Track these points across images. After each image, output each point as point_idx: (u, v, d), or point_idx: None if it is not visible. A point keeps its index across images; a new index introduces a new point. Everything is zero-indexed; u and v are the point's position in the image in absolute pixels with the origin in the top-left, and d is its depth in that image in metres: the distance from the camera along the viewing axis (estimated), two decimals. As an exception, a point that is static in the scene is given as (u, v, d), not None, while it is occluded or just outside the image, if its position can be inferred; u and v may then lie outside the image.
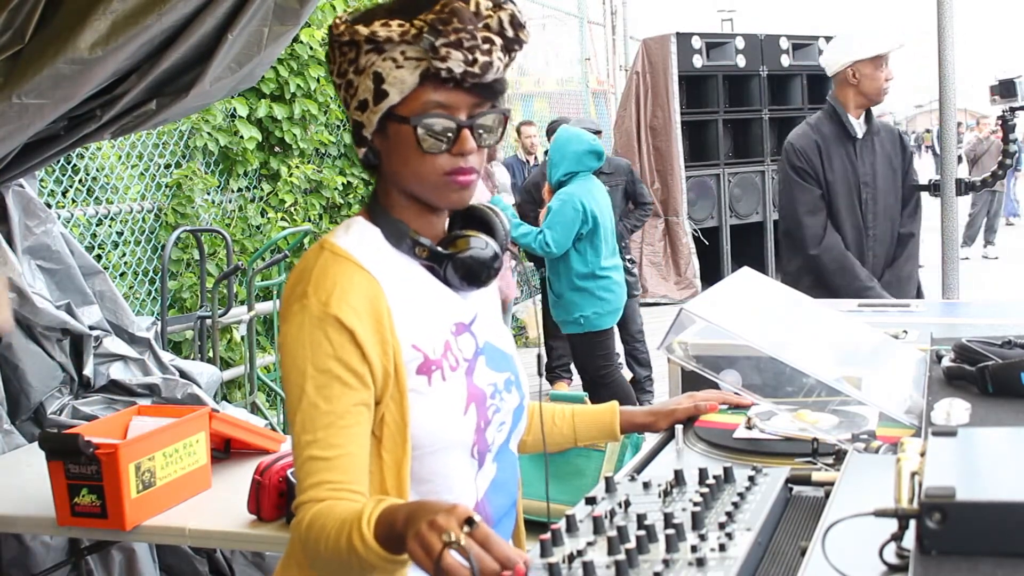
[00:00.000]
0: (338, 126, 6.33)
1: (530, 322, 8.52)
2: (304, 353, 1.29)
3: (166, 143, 5.17)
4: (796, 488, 1.34)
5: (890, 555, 0.97)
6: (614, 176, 6.22)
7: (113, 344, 3.18)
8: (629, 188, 6.34)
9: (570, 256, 4.91)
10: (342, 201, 6.34)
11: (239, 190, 5.67)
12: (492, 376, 1.44)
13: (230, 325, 4.92)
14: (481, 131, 1.33)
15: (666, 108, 9.75)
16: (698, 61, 9.85)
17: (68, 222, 4.46)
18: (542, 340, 1.62)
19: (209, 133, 5.28)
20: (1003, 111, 3.55)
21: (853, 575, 0.95)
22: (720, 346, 1.80)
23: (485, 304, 1.49)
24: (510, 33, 1.30)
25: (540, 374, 1.51)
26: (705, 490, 1.23)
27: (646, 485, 1.31)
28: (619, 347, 5.43)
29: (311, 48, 5.80)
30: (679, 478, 1.30)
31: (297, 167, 5.85)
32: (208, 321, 4.48)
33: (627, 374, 5.81)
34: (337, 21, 1.34)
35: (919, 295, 3.66)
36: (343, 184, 6.30)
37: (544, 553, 1.10)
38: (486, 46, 1.27)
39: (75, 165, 4.64)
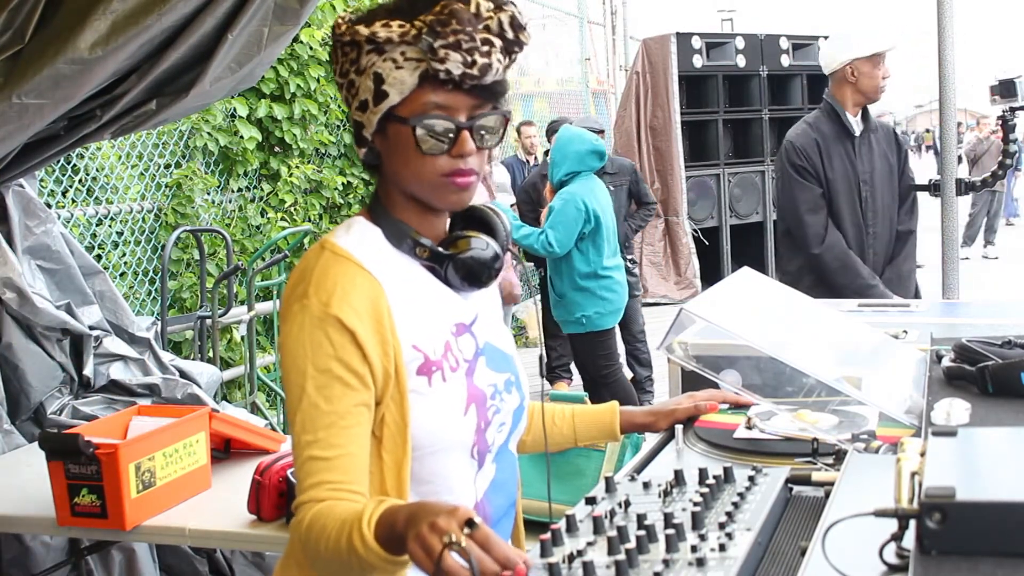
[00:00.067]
0: (338, 126, 6.33)
1: (530, 322, 8.52)
2: (304, 353, 1.29)
3: (166, 143, 5.17)
4: (796, 488, 1.34)
5: (890, 555, 0.97)
6: (618, 176, 6.22)
7: (113, 344, 3.18)
8: (633, 188, 6.34)
9: (572, 256, 4.92)
10: (342, 201, 6.33)
11: (239, 190, 5.67)
12: (492, 377, 1.44)
13: (230, 325, 4.92)
14: (481, 133, 1.33)
15: (666, 108, 9.75)
16: (698, 61, 9.85)
17: (68, 222, 4.46)
18: (542, 341, 1.62)
19: (209, 133, 5.28)
20: (1003, 111, 3.55)
21: (853, 575, 0.95)
22: (720, 346, 1.80)
23: (486, 305, 1.49)
24: (510, 35, 1.29)
25: (542, 375, 1.51)
26: (705, 490, 1.23)
27: (646, 485, 1.31)
28: (620, 347, 5.43)
29: (311, 48, 5.80)
30: (679, 478, 1.30)
31: (297, 167, 5.85)
32: (208, 321, 4.48)
33: (627, 374, 5.81)
34: (339, 21, 1.34)
35: (916, 294, 3.66)
36: (343, 184, 6.30)
37: (544, 553, 1.10)
38: (485, 48, 1.27)
39: (75, 165, 4.64)
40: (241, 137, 5.43)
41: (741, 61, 10.02)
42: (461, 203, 1.37)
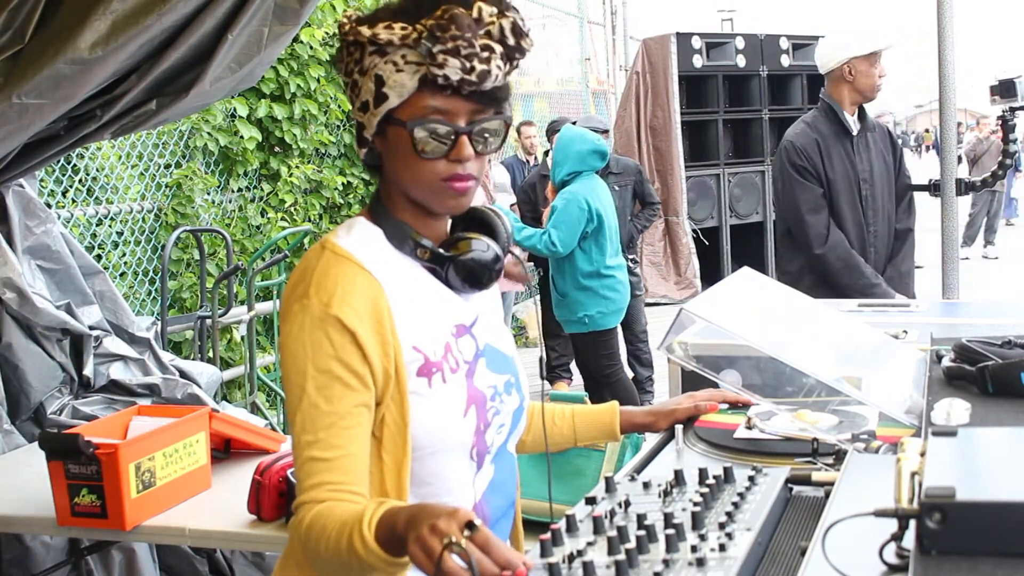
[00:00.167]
0: (338, 126, 6.33)
1: (530, 322, 8.52)
2: (305, 353, 1.29)
3: (166, 143, 5.17)
4: (796, 488, 1.34)
5: (890, 555, 0.97)
6: (623, 176, 6.23)
7: (113, 344, 3.18)
8: (638, 188, 6.34)
9: (575, 255, 4.92)
10: (342, 201, 6.34)
11: (239, 190, 5.67)
12: (492, 378, 1.44)
13: (230, 325, 4.92)
14: (480, 138, 1.33)
15: (666, 108, 9.75)
16: (698, 61, 9.85)
17: (68, 222, 4.46)
18: (542, 342, 1.62)
19: (209, 133, 5.28)
20: (1003, 111, 3.55)
21: (853, 575, 0.95)
22: (720, 346, 1.80)
23: (486, 306, 1.49)
24: (511, 41, 1.29)
25: (542, 377, 1.51)
26: (705, 490, 1.23)
27: (646, 485, 1.31)
28: (622, 347, 5.43)
29: (311, 48, 5.80)
30: (679, 478, 1.30)
31: (297, 167, 5.85)
32: (208, 321, 4.48)
33: (628, 374, 5.81)
34: (344, 20, 1.33)
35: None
36: (343, 184, 6.30)
37: (544, 553, 1.10)
38: (485, 54, 1.26)
39: (75, 165, 4.64)
40: (241, 137, 5.43)
41: (741, 61, 10.02)
42: (459, 207, 1.37)
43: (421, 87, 1.28)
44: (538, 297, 6.18)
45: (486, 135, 1.33)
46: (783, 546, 1.17)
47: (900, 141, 3.69)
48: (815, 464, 1.48)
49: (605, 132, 6.65)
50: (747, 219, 10.18)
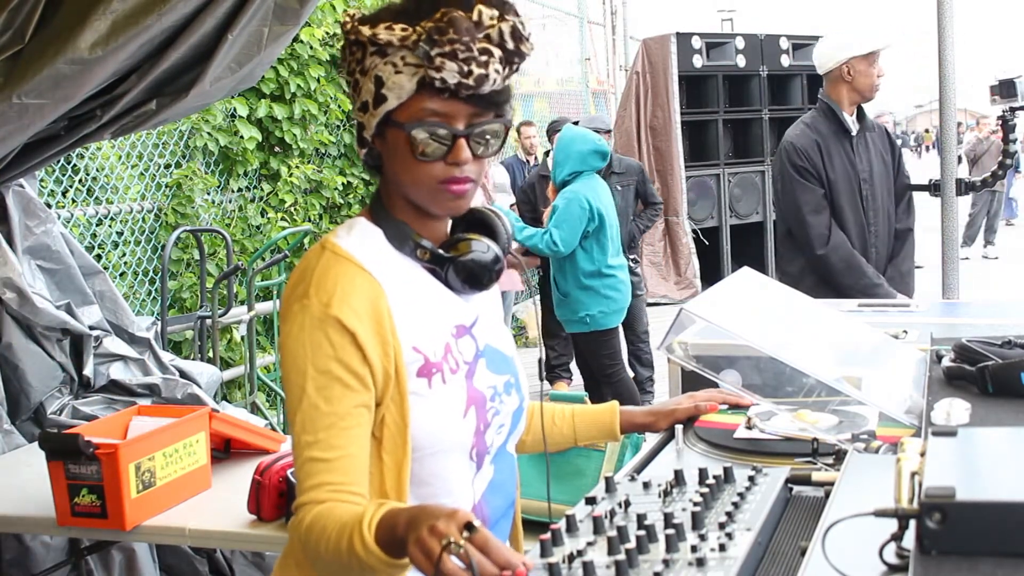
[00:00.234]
0: (338, 126, 6.33)
1: (530, 322, 8.51)
2: (304, 354, 1.29)
3: (166, 143, 5.17)
4: (796, 488, 1.34)
5: (890, 555, 0.97)
6: (626, 176, 6.23)
7: (113, 344, 3.18)
8: (640, 188, 6.35)
9: (576, 254, 4.92)
10: (342, 201, 6.34)
11: (239, 190, 5.67)
12: (492, 379, 1.44)
13: (230, 325, 4.92)
14: (479, 141, 1.32)
15: (666, 108, 9.75)
16: (698, 61, 9.85)
17: (68, 222, 4.46)
18: (542, 342, 1.62)
19: (209, 133, 5.28)
20: (1003, 111, 3.55)
21: (853, 575, 0.95)
22: (720, 346, 1.80)
23: (486, 306, 1.49)
24: (510, 45, 1.28)
25: (541, 378, 1.51)
26: (705, 490, 1.23)
27: (646, 485, 1.31)
28: (622, 347, 5.43)
29: (311, 48, 5.80)
30: (679, 478, 1.30)
31: (297, 167, 5.85)
32: (208, 321, 4.48)
33: (629, 373, 5.81)
34: (346, 19, 1.33)
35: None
36: (343, 184, 6.30)
37: (544, 553, 1.10)
38: (483, 58, 1.26)
39: (75, 165, 4.64)
40: (241, 137, 5.43)
41: (741, 61, 10.02)
42: (458, 210, 1.37)
43: (420, 89, 1.28)
44: (538, 297, 6.18)
45: (485, 138, 1.33)
46: (783, 546, 1.17)
47: (900, 141, 3.69)
48: (815, 464, 1.48)
49: (608, 132, 6.65)
50: (747, 219, 10.18)
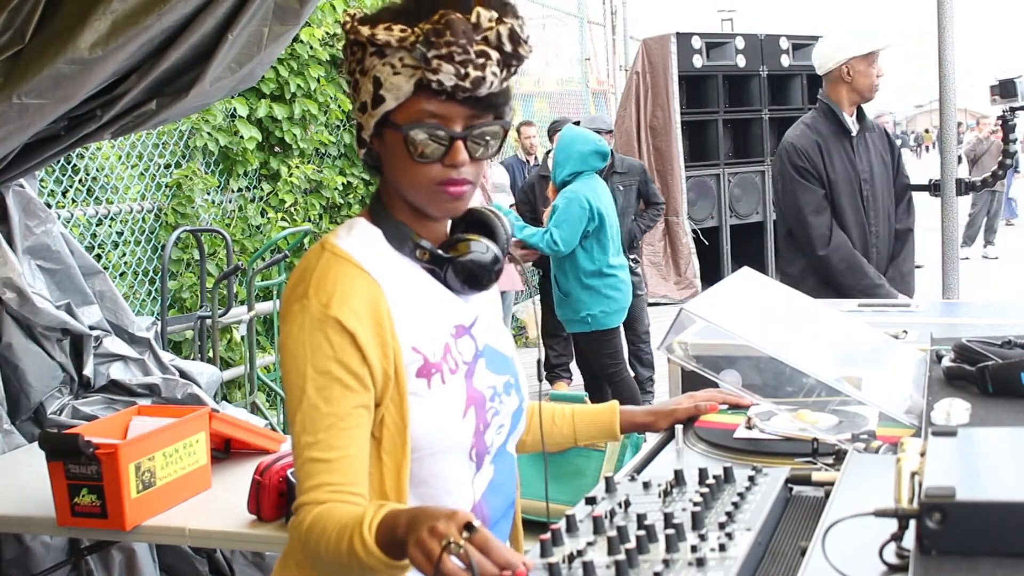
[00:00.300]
0: (338, 126, 6.33)
1: (530, 322, 8.51)
2: (304, 354, 1.29)
3: (166, 143, 5.17)
4: (796, 488, 1.34)
5: (890, 555, 0.97)
6: (628, 176, 6.24)
7: (113, 344, 3.18)
8: (642, 188, 6.35)
9: (577, 254, 4.93)
10: (342, 201, 6.34)
11: (239, 190, 5.67)
12: (492, 379, 1.44)
13: (230, 325, 4.92)
14: (477, 143, 1.32)
15: (666, 108, 9.75)
16: (698, 61, 9.85)
17: (68, 222, 4.46)
18: (541, 343, 1.62)
19: (209, 133, 5.28)
20: (1003, 111, 3.55)
21: (853, 575, 0.95)
22: (720, 346, 1.80)
23: (486, 307, 1.49)
24: (508, 48, 1.27)
25: (540, 379, 1.51)
26: (705, 490, 1.23)
27: (646, 485, 1.31)
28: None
29: (311, 48, 5.80)
30: (679, 478, 1.30)
31: (297, 167, 5.85)
32: (208, 321, 4.48)
33: (630, 373, 5.81)
34: (346, 19, 1.33)
35: None
36: (343, 184, 6.30)
37: (544, 553, 1.10)
38: (480, 60, 1.25)
39: (75, 165, 4.64)
40: (241, 137, 5.43)
41: (741, 61, 10.02)
42: (455, 211, 1.37)
43: (417, 91, 1.28)
44: (538, 297, 6.18)
45: (484, 139, 1.33)
46: (783, 546, 1.17)
47: (899, 141, 3.69)
48: (815, 464, 1.48)
49: (610, 132, 6.64)
50: (747, 219, 10.18)
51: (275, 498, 2.20)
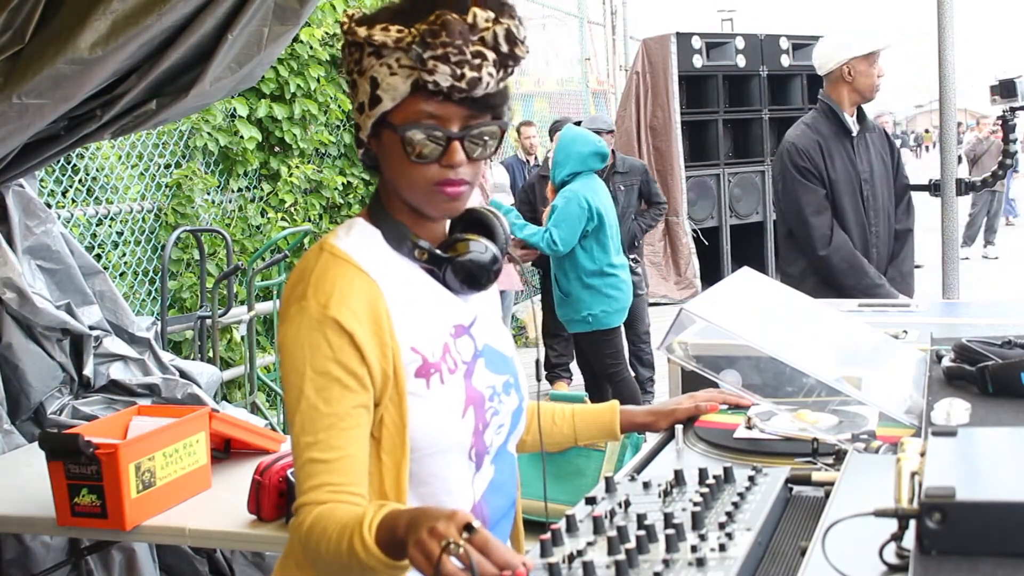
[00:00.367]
0: (338, 126, 6.33)
1: (530, 322, 8.51)
2: (303, 355, 1.29)
3: (166, 143, 5.17)
4: (796, 488, 1.34)
5: (890, 555, 0.97)
6: (629, 176, 6.23)
7: (113, 344, 3.18)
8: (643, 188, 6.35)
9: (578, 254, 4.93)
10: (342, 201, 6.34)
11: (239, 190, 5.67)
12: (491, 379, 1.44)
13: (230, 325, 4.92)
14: (474, 143, 1.32)
15: (666, 108, 9.75)
16: (698, 61, 9.85)
17: (68, 222, 4.46)
18: (540, 343, 1.62)
19: (209, 133, 5.28)
20: (1003, 111, 3.55)
21: (853, 575, 0.95)
22: (720, 346, 1.80)
23: (485, 306, 1.49)
24: (505, 48, 1.27)
25: (539, 379, 1.51)
26: (705, 490, 1.23)
27: (646, 485, 1.31)
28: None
29: (311, 48, 5.80)
30: (679, 478, 1.30)
31: (297, 167, 5.85)
32: (208, 321, 4.48)
33: (631, 373, 5.81)
34: (345, 19, 1.33)
35: None
36: (343, 184, 6.30)
37: (544, 553, 1.10)
38: (476, 61, 1.25)
39: (75, 165, 4.64)
40: (241, 137, 5.43)
41: (741, 61, 10.02)
42: (452, 211, 1.37)
43: (414, 92, 1.28)
44: (538, 297, 6.18)
45: (482, 139, 1.33)
46: (783, 546, 1.17)
47: (899, 141, 3.69)
48: (815, 464, 1.48)
49: (611, 132, 6.65)
50: (747, 219, 10.18)
51: (275, 498, 2.20)
